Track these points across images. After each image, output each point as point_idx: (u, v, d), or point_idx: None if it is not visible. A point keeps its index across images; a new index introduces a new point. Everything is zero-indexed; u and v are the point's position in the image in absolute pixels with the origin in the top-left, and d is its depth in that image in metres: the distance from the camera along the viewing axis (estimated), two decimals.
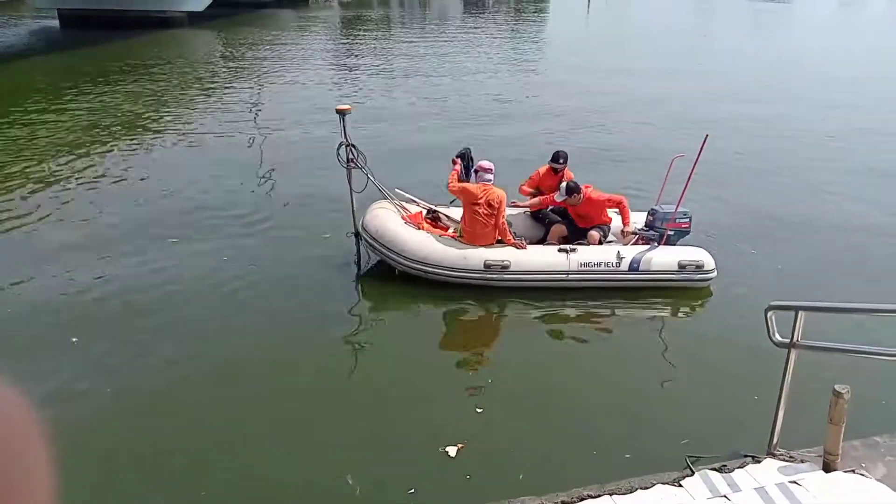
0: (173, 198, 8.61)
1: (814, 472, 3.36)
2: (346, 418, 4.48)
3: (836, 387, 3.24)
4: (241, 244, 7.23)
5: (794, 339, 3.38)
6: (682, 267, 6.39)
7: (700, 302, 6.42)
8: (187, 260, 6.82)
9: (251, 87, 16.30)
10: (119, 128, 12.13)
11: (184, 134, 11.92)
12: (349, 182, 6.58)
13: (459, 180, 6.60)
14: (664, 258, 6.40)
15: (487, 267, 6.23)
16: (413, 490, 3.65)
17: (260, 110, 13.91)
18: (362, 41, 26.79)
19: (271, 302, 6.05)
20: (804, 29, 36.42)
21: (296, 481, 3.83)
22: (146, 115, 13.18)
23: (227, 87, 16.24)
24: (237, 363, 5.10)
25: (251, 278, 6.46)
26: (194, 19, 28.61)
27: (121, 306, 5.81)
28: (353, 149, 6.53)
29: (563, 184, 6.62)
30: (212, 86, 16.42)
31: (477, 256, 6.27)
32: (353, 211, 6.71)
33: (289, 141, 11.46)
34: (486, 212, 6.24)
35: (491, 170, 6.38)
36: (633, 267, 6.36)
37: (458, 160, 6.88)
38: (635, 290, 6.41)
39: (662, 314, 6.23)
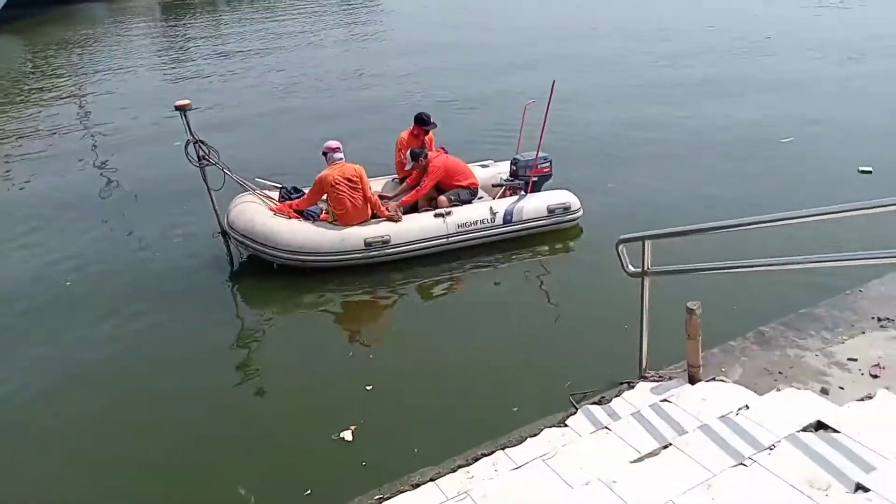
0: None
1: (681, 387, 3.61)
2: (234, 426, 4.28)
3: (688, 304, 3.46)
4: (91, 268, 6.60)
5: (646, 268, 3.58)
6: (550, 211, 6.63)
7: (570, 242, 6.70)
8: (17, 291, 6.15)
9: (73, 94, 14.63)
10: None
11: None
12: (205, 180, 6.20)
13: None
14: (534, 205, 6.61)
15: (368, 245, 6.15)
16: (310, 491, 3.56)
17: (87, 118, 12.58)
18: (189, 27, 24.91)
19: (142, 319, 5.63)
20: None
21: (182, 499, 3.64)
22: None
23: (44, 98, 14.44)
24: (113, 383, 4.81)
25: (115, 300, 5.95)
26: None
27: None
28: (202, 145, 6.15)
29: (408, 151, 6.68)
30: (25, 99, 14.57)
31: (356, 236, 6.16)
32: (214, 210, 6.34)
33: (128, 149, 10.43)
34: (348, 187, 6.13)
35: (338, 148, 6.26)
36: (507, 219, 6.53)
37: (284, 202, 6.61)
38: (512, 240, 6.58)
39: (537, 261, 6.43)
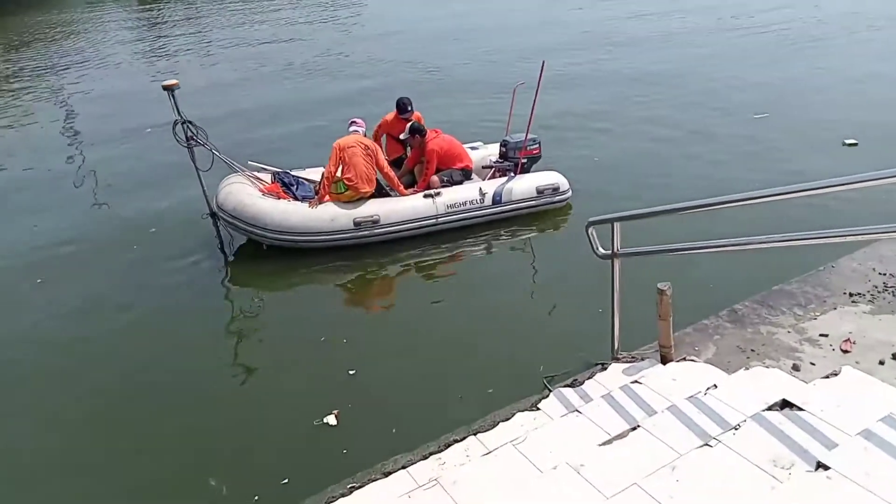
0: None
1: (653, 367, 3.63)
2: (217, 412, 4.32)
3: (659, 285, 3.45)
4: (73, 255, 6.61)
5: (615, 250, 3.58)
6: (540, 192, 6.62)
7: (558, 223, 6.69)
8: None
9: (55, 81, 14.47)
10: None
11: None
12: (193, 161, 6.21)
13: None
14: (523, 186, 6.59)
15: (357, 225, 6.18)
16: (287, 480, 3.59)
17: (65, 107, 12.48)
18: (166, 10, 24.55)
19: (126, 303, 5.68)
20: None
21: (156, 488, 3.67)
22: None
23: (24, 86, 14.29)
24: (91, 366, 4.87)
25: (99, 284, 6.00)
26: None
27: None
28: (190, 125, 6.15)
29: (409, 123, 6.69)
30: (4, 88, 14.45)
31: (346, 216, 6.19)
32: (203, 191, 6.37)
33: (114, 132, 10.44)
34: (363, 152, 6.24)
35: (355, 122, 6.52)
36: (497, 200, 6.52)
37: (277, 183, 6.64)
38: (501, 221, 6.59)
39: (523, 242, 6.44)
